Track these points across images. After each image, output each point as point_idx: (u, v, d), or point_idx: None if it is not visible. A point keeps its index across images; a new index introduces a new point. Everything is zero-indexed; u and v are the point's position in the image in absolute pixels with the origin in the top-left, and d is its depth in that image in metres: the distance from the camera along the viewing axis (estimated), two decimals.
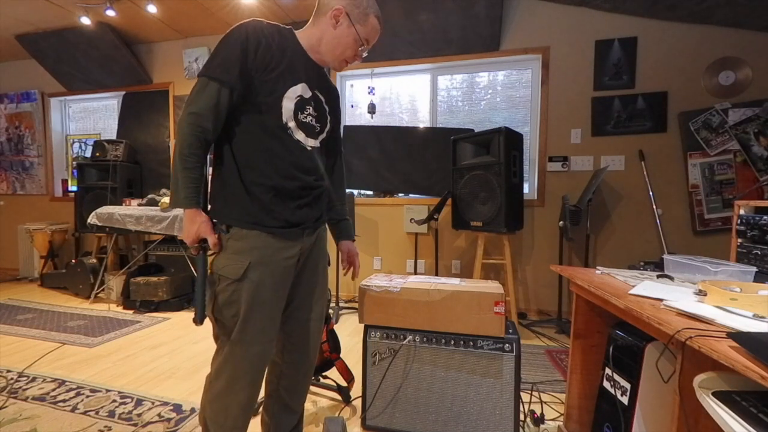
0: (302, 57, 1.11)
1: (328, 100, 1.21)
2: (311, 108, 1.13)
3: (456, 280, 1.56)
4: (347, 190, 3.51)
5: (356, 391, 1.69)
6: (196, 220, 1.02)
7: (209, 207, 1.12)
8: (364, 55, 1.17)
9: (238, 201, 1.06)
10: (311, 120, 1.13)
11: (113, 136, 4.35)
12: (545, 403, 1.71)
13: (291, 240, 1.11)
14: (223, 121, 1.04)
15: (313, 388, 1.86)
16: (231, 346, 1.06)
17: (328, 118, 1.21)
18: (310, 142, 1.13)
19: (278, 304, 1.11)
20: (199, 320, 1.03)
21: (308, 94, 1.12)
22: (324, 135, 1.20)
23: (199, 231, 1.03)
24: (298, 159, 1.10)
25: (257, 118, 1.06)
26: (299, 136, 1.10)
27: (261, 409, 1.33)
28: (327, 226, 1.34)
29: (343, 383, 1.76)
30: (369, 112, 3.52)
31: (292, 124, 1.08)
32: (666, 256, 1.26)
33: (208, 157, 1.07)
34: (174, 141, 1.05)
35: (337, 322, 2.94)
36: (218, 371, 1.08)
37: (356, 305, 2.85)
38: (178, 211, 3.04)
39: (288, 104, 1.07)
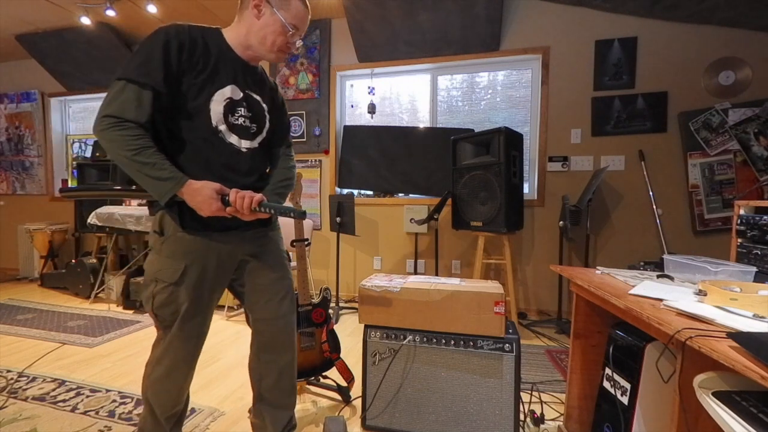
0: (230, 57, 1.09)
1: (265, 99, 1.18)
2: (243, 109, 1.11)
3: (456, 280, 1.56)
4: (347, 190, 3.52)
5: (356, 391, 1.68)
6: (196, 187, 0.98)
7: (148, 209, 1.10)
8: (299, 43, 1.14)
9: (173, 204, 1.03)
10: (244, 121, 1.11)
11: None
12: (545, 403, 1.71)
13: (228, 241, 1.12)
14: (150, 126, 0.99)
15: (313, 388, 1.86)
16: (171, 339, 1.09)
17: (267, 117, 1.18)
18: (245, 144, 1.12)
19: (214, 300, 1.15)
20: (302, 216, 1.08)
21: (239, 95, 1.10)
22: (264, 135, 1.17)
23: (213, 188, 0.99)
24: (231, 162, 1.09)
25: (187, 124, 1.03)
26: (232, 139, 1.09)
27: (250, 415, 1.33)
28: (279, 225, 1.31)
29: (343, 383, 1.76)
30: (369, 112, 3.52)
31: (223, 127, 1.06)
32: (666, 256, 1.26)
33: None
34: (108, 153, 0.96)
35: (337, 322, 2.94)
36: (159, 359, 1.12)
37: (356, 305, 2.84)
38: None
39: (216, 107, 1.05)
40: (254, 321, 1.24)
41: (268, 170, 1.27)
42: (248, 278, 1.21)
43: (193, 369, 1.16)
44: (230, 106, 1.08)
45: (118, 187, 3.24)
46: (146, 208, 3.27)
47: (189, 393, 1.21)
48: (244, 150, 1.12)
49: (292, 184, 1.27)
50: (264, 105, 1.17)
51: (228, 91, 1.07)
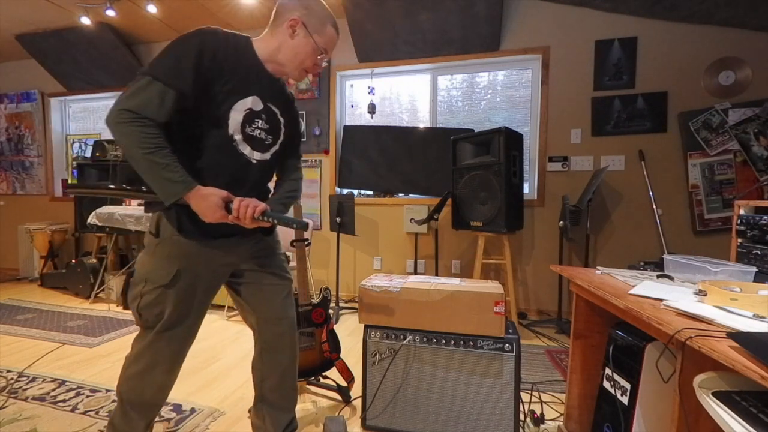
0: (256, 69, 1.10)
1: (283, 112, 1.19)
2: (261, 121, 1.11)
3: (456, 280, 1.56)
4: (347, 190, 3.51)
5: (356, 391, 1.68)
6: (204, 193, 0.97)
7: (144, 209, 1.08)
8: (324, 64, 1.16)
9: (173, 207, 1.02)
10: (260, 133, 1.11)
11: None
12: (545, 403, 1.71)
13: (223, 248, 1.12)
14: (164, 125, 0.97)
15: (313, 388, 1.86)
16: (154, 336, 1.07)
17: (282, 130, 1.19)
18: (256, 156, 1.12)
19: (204, 306, 1.14)
20: (305, 227, 1.11)
21: (259, 106, 1.10)
22: (276, 147, 1.18)
23: (220, 196, 0.98)
24: (239, 172, 1.09)
25: (204, 129, 1.03)
26: (245, 149, 1.09)
27: (251, 415, 1.34)
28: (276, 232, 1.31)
29: (343, 383, 1.76)
30: (369, 112, 3.52)
31: (238, 137, 1.06)
32: (666, 256, 1.26)
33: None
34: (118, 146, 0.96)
35: (337, 322, 2.94)
36: (138, 356, 1.10)
37: (356, 305, 2.84)
38: None
39: (236, 116, 1.05)
40: (257, 322, 1.25)
41: (275, 180, 1.28)
42: (249, 281, 1.21)
43: (176, 371, 1.14)
44: (249, 117, 1.08)
45: (125, 186, 3.26)
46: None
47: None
48: (254, 161, 1.12)
49: (298, 196, 1.28)
50: (281, 118, 1.18)
51: (249, 102, 1.07)
